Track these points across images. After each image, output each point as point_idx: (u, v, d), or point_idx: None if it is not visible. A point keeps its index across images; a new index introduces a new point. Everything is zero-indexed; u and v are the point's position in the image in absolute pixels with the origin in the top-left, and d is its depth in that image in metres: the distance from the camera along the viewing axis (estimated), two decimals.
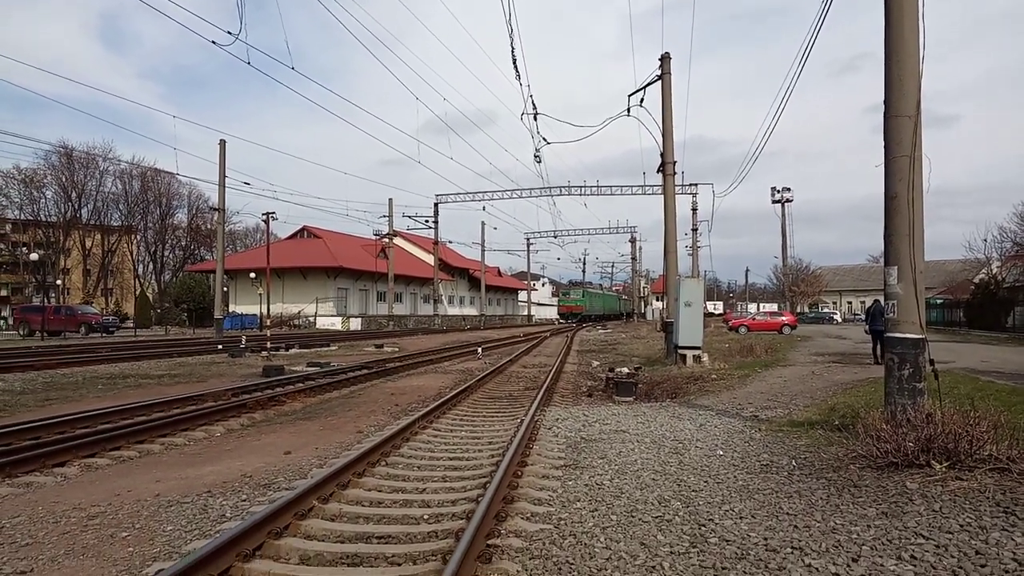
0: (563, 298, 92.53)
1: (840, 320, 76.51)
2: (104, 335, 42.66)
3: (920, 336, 7.77)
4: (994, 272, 48.87)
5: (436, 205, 61.09)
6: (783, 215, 60.51)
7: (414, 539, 5.18)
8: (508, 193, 58.93)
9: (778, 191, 61.22)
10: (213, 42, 18.59)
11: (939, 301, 55.78)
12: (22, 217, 78.01)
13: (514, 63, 18.64)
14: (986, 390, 11.38)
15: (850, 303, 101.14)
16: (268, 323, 37.01)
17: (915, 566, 4.34)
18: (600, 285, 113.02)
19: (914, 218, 7.80)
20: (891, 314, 7.99)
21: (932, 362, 7.78)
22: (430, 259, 69.67)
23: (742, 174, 60.08)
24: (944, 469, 6.38)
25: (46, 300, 64.47)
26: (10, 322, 56.28)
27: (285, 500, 5.47)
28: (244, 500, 6.34)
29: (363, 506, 6.05)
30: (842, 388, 13.11)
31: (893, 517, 5.31)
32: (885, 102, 8.08)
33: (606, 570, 4.44)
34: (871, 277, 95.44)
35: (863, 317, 28.55)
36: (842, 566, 4.37)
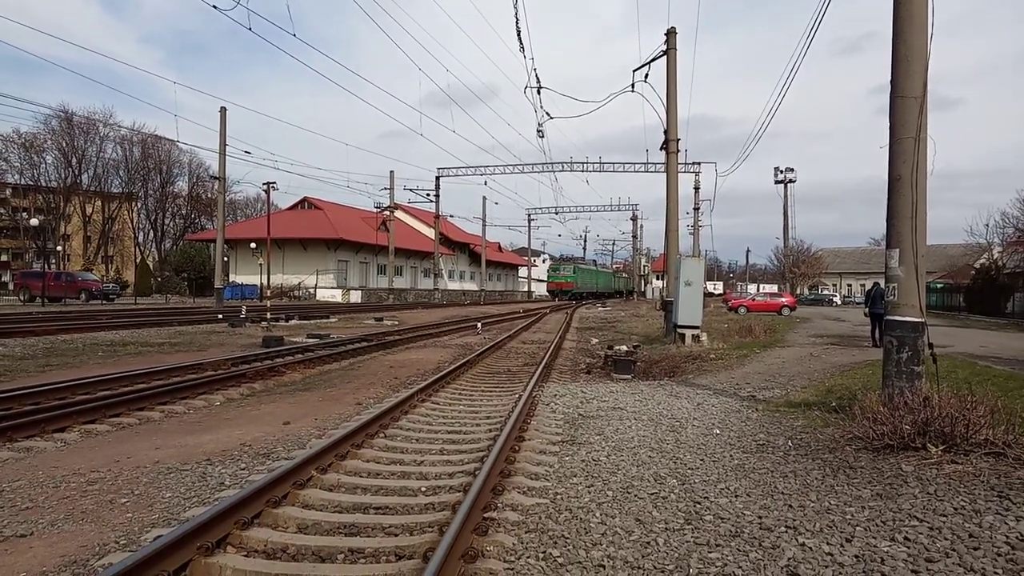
0: (552, 274, 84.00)
1: (839, 302, 76.56)
2: (104, 302, 42.74)
3: (920, 320, 7.77)
4: (995, 257, 48.86)
5: (437, 179, 60.83)
6: (785, 196, 60.30)
7: (411, 510, 5.22)
8: (510, 168, 58.69)
9: (781, 171, 60.95)
10: (214, 7, 18.34)
11: (939, 285, 55.83)
12: (22, 182, 77.74)
13: (518, 35, 18.50)
14: (984, 375, 11.41)
15: (850, 285, 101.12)
16: (268, 294, 37.07)
17: (908, 547, 4.38)
18: (594, 261, 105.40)
19: (917, 200, 7.77)
20: (891, 297, 7.98)
21: (931, 346, 7.78)
22: (431, 233, 69.57)
23: (745, 154, 59.88)
24: (940, 452, 6.42)
25: (46, 266, 64.45)
26: (10, 287, 56.32)
27: (284, 470, 5.50)
28: (243, 469, 6.38)
29: (361, 477, 6.08)
30: (840, 370, 13.15)
31: (888, 499, 5.34)
32: (891, 82, 8.01)
33: (601, 545, 4.47)
34: (871, 260, 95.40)
35: (863, 300, 28.60)
36: (836, 546, 4.41)
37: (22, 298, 43.95)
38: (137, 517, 5.05)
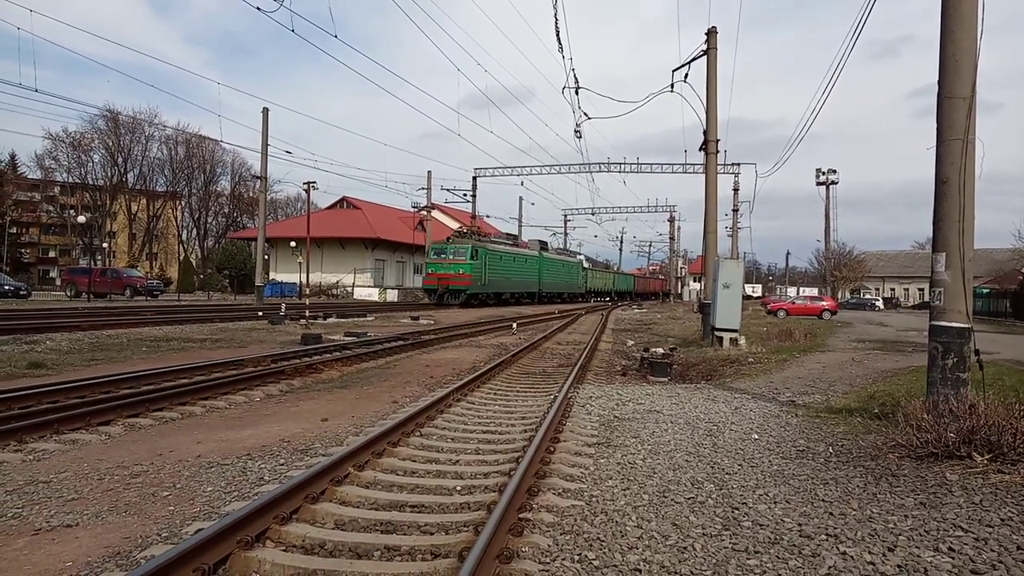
0: (431, 261, 46.61)
1: (882, 307, 74.98)
2: (148, 299, 43.73)
3: (966, 325, 7.59)
4: None
5: (475, 179, 60.83)
6: (827, 197, 59.42)
7: (447, 509, 5.24)
8: (547, 168, 58.45)
9: (823, 173, 60.00)
10: (258, 8, 18.67)
11: (985, 291, 54.40)
12: (70, 180, 79.83)
13: (557, 35, 18.47)
14: None
15: (893, 290, 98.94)
16: (307, 292, 37.49)
17: (953, 558, 4.27)
18: (543, 243, 63.20)
19: (964, 204, 7.58)
20: (937, 302, 7.80)
21: (977, 352, 7.59)
22: None
23: (786, 155, 59.12)
24: (986, 461, 6.26)
25: (92, 262, 66.03)
26: (58, 283, 57.83)
27: (322, 466, 5.56)
28: (282, 464, 6.46)
29: (397, 475, 6.12)
30: (882, 376, 12.90)
31: (932, 508, 5.22)
32: (939, 83, 7.82)
33: (637, 549, 4.44)
34: (916, 264, 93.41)
35: (896, 303, 27.97)
36: (878, 555, 4.32)
37: (69, 294, 45.17)
38: (179, 510, 5.14)
